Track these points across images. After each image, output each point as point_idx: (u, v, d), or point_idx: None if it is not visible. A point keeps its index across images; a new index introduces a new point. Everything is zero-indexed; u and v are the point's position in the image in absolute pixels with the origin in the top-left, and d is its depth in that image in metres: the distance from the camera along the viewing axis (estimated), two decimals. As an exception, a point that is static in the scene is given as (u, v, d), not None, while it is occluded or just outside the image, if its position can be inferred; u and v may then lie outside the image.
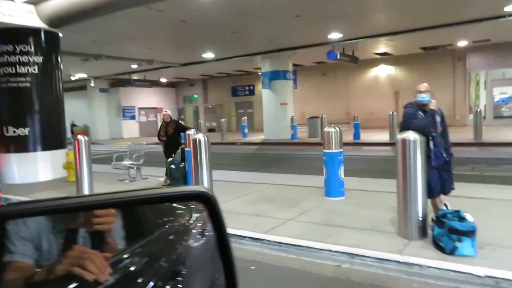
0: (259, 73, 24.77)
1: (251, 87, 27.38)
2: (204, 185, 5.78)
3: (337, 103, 23.85)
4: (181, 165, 7.88)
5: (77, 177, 7.49)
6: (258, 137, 20.71)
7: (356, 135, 16.28)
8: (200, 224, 1.04)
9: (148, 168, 9.67)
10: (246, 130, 21.40)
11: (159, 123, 35.07)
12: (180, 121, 8.66)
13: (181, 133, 8.46)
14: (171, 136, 8.45)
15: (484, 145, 13.25)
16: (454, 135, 14.28)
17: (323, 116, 17.22)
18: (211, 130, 28.32)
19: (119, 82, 26.52)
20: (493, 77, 19.86)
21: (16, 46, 9.26)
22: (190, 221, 1.08)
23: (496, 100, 20.98)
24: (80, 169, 7.47)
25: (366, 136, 17.01)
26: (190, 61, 20.14)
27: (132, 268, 0.92)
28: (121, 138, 27.33)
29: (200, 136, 5.78)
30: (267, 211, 5.65)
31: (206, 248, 1.02)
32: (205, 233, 1.01)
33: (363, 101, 23.12)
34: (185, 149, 7.91)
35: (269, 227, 4.90)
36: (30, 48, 9.40)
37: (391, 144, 14.01)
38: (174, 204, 1.05)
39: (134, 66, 20.69)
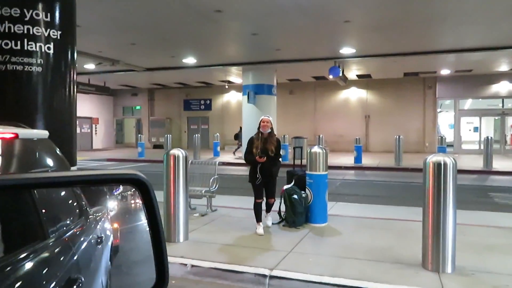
0: (226, 86, 22.77)
1: (208, 101, 25.05)
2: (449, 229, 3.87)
3: (304, 123, 22.84)
4: (303, 195, 5.73)
5: (169, 211, 4.89)
6: (232, 156, 18.57)
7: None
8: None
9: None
10: (218, 148, 19.03)
11: (96, 135, 29.99)
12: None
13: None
14: (273, 158, 5.34)
15: (500, 174, 13.19)
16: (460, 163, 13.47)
17: (321, 136, 15.90)
18: (157, 146, 25.11)
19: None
20: (460, 107, 20.79)
21: (26, 11, 6.17)
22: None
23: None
24: (174, 200, 4.89)
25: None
26: (166, 66, 17.34)
27: None
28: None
29: (448, 160, 3.87)
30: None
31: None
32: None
33: (331, 123, 22.50)
34: (307, 172, 5.81)
35: None
36: (46, 16, 6.34)
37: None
38: None
39: (90, 66, 17.13)
